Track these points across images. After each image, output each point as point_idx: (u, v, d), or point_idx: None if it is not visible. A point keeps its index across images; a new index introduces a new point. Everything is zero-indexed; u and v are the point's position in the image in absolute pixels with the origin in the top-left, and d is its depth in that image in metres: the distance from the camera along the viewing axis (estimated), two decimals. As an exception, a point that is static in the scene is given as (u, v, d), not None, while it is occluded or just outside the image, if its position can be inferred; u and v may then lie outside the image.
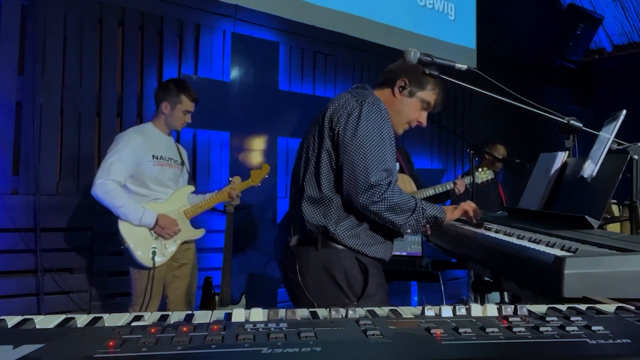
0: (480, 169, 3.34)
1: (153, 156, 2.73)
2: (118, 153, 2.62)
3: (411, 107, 1.81)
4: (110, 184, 2.57)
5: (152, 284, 2.66)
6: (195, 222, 2.93)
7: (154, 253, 2.65)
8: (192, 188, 2.96)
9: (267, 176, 3.10)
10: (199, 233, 2.94)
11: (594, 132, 1.74)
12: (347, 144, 1.60)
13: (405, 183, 3.08)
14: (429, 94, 1.81)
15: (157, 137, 2.81)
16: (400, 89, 1.79)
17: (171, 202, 2.80)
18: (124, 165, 2.62)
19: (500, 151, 4.24)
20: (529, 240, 1.44)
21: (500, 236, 1.58)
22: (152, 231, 2.67)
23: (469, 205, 1.82)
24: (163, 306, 2.90)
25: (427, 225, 1.65)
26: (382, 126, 1.63)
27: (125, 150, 2.63)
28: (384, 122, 1.64)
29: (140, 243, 2.64)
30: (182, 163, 2.95)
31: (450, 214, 1.74)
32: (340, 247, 1.65)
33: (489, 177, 3.31)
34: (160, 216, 2.68)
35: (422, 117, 1.85)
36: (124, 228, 2.62)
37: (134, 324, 0.71)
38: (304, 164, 1.73)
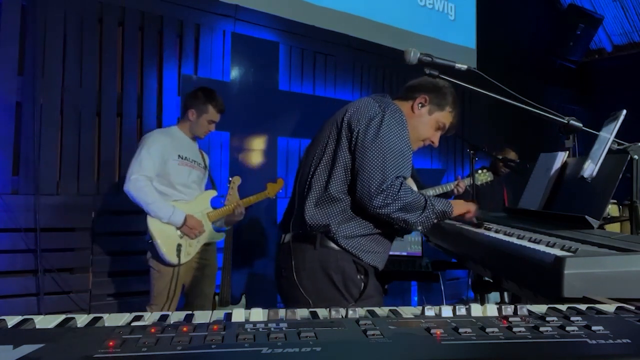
0: (480, 171, 3.36)
1: (179, 156, 2.77)
2: (147, 150, 2.67)
3: (427, 125, 1.82)
4: (142, 180, 2.62)
5: (176, 281, 2.69)
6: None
7: (179, 250, 2.69)
8: (215, 193, 3.01)
9: (281, 190, 3.21)
10: (220, 236, 3.00)
11: (594, 132, 1.74)
12: (366, 146, 1.59)
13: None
14: (445, 116, 1.82)
15: (182, 139, 2.86)
16: (420, 105, 1.79)
17: (197, 203, 2.85)
18: (153, 162, 2.66)
19: (510, 155, 4.21)
20: (529, 240, 1.44)
21: (500, 236, 1.58)
22: (178, 230, 2.71)
23: (473, 207, 1.82)
24: (181, 308, 2.88)
25: (435, 220, 1.65)
26: (402, 134, 1.63)
27: (154, 148, 2.68)
28: (404, 131, 1.64)
29: (166, 240, 2.68)
30: (205, 167, 3.00)
31: (457, 208, 1.75)
32: (337, 248, 1.64)
33: (489, 179, 3.32)
34: (189, 216, 2.72)
35: (435, 137, 1.86)
36: (152, 224, 2.66)
37: (134, 324, 0.71)
38: (315, 162, 1.71)
